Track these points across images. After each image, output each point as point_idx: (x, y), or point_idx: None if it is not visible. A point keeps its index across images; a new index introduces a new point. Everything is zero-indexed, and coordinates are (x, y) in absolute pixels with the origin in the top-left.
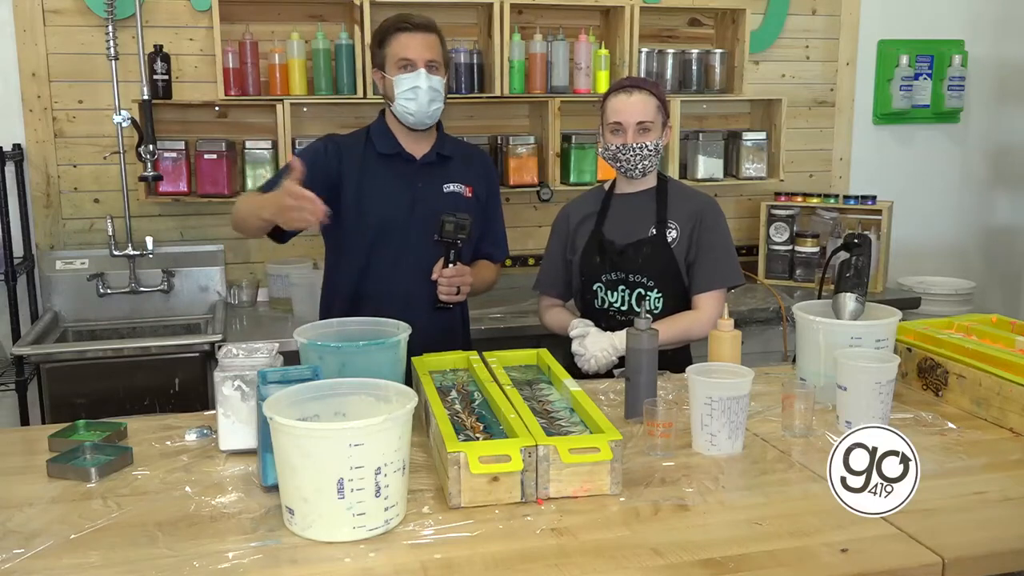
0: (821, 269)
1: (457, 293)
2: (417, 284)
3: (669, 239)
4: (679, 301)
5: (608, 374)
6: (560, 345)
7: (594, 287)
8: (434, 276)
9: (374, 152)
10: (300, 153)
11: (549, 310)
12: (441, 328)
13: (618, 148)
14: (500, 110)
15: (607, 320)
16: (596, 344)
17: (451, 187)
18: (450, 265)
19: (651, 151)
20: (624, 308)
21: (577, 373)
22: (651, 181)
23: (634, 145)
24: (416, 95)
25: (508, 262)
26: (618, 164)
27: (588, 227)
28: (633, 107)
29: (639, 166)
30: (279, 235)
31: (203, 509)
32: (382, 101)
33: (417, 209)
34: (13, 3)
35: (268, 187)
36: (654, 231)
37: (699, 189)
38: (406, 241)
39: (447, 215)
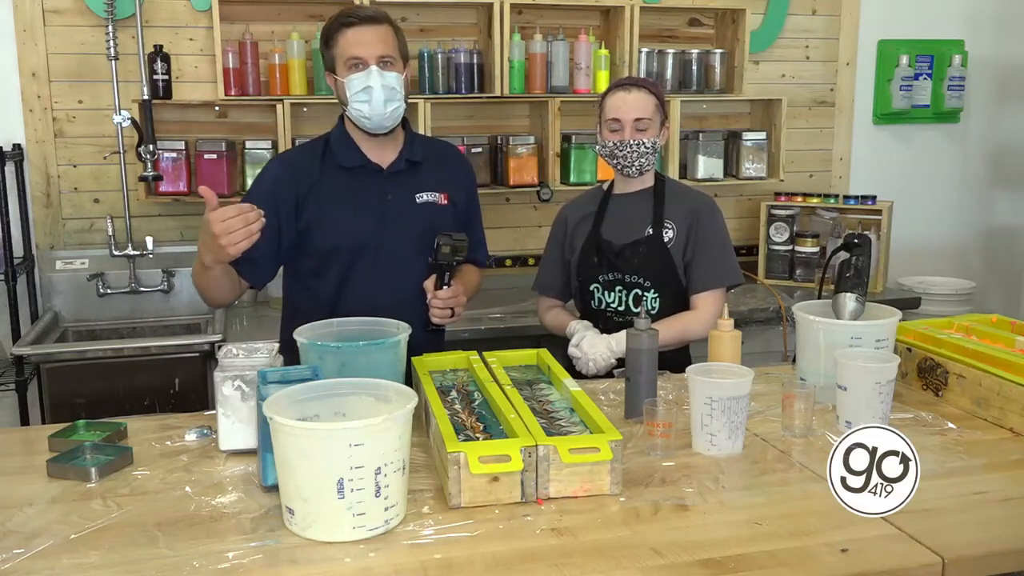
0: (821, 269)
1: (451, 315)
2: (397, 303)
3: (665, 239)
4: (677, 301)
5: (608, 374)
6: (560, 345)
7: (591, 288)
8: (428, 298)
9: (335, 164)
10: (254, 185)
11: (549, 311)
12: (427, 341)
13: (615, 145)
14: (500, 110)
15: (604, 321)
16: (593, 348)
17: (424, 196)
18: (444, 287)
19: (648, 149)
20: (621, 309)
21: (577, 374)
22: (648, 181)
23: (631, 142)
24: (369, 96)
25: (508, 262)
26: (615, 161)
27: (586, 228)
28: (631, 104)
29: (636, 163)
30: (253, 277)
31: (203, 509)
32: None
33: (389, 225)
34: (13, 3)
35: None
36: (650, 231)
37: (697, 188)
38: (380, 260)
39: (443, 236)
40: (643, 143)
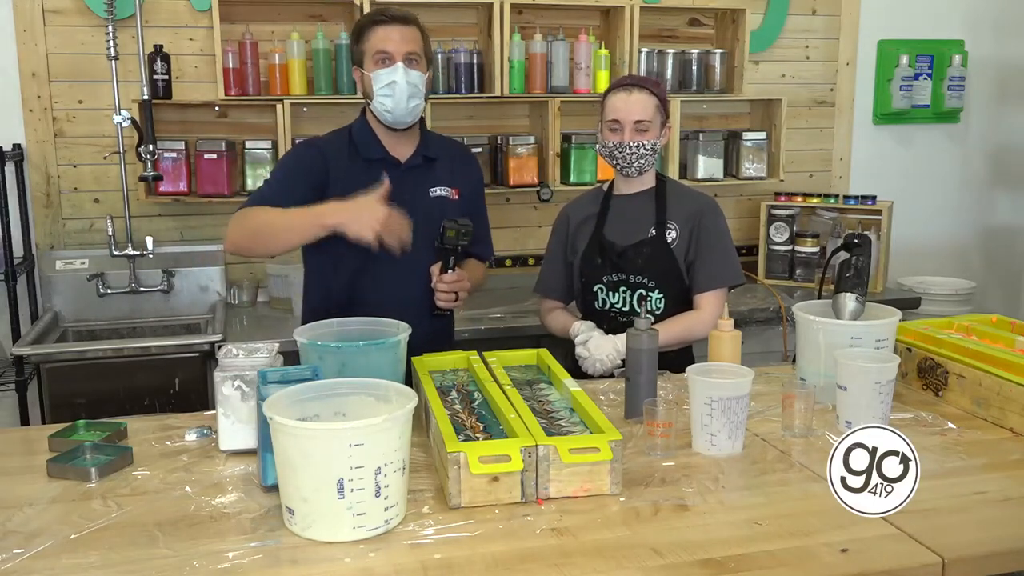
0: (821, 269)
1: (456, 299)
2: (409, 291)
3: (669, 240)
4: (680, 302)
5: (609, 374)
6: (560, 345)
7: (595, 288)
8: (433, 282)
9: (358, 156)
10: (285, 159)
11: (551, 312)
12: (435, 331)
13: (615, 146)
14: (500, 110)
15: (608, 321)
16: (600, 349)
17: (438, 191)
18: (449, 271)
19: (648, 150)
20: (625, 309)
21: (578, 373)
22: (649, 182)
23: (631, 143)
24: (393, 91)
25: (508, 262)
26: (614, 162)
27: (588, 229)
28: (631, 106)
29: (635, 164)
30: None
31: (203, 509)
32: None
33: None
34: (13, 3)
35: (270, 199)
36: (654, 232)
37: (698, 189)
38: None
39: (449, 221)
40: (643, 145)
